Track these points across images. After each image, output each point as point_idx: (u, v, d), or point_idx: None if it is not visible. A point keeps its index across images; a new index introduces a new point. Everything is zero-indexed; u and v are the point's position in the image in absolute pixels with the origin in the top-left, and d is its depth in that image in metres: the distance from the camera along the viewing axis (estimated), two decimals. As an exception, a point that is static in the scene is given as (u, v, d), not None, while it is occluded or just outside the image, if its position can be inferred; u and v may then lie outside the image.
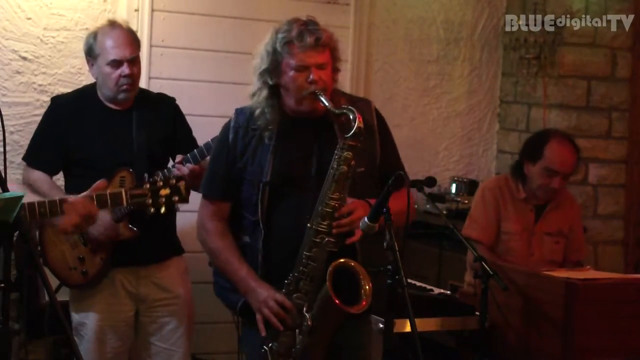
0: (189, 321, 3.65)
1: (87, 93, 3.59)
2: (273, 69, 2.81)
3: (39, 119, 4.05)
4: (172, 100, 3.71)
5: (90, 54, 3.50)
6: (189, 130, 3.71)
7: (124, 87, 3.45)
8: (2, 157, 2.70)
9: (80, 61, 4.43)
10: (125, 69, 3.42)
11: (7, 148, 3.60)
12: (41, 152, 3.55)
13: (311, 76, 2.77)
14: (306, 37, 2.75)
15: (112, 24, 3.51)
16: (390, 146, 3.01)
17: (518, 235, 3.96)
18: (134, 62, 3.47)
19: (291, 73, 2.79)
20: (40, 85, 4.42)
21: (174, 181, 2.79)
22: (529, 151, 3.98)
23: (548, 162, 3.86)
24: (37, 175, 3.52)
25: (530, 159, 3.93)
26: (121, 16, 4.32)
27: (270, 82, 2.83)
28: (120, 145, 3.47)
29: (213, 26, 4.70)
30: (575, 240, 4.10)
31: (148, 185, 2.77)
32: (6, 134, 2.73)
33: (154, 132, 3.53)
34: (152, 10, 4.55)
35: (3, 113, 2.63)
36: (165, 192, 2.74)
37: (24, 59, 4.38)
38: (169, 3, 4.61)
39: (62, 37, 4.44)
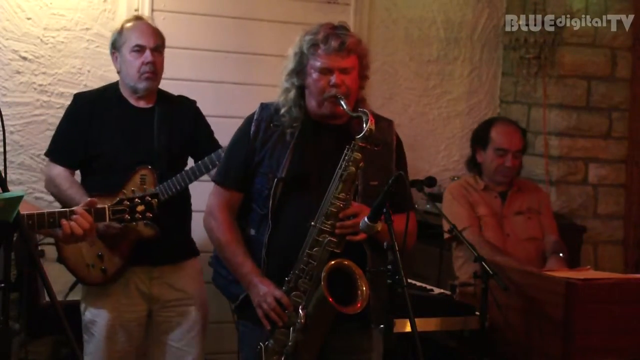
0: (203, 322, 3.66)
1: (110, 90, 3.61)
2: (299, 70, 2.86)
3: (39, 119, 4.07)
4: (192, 102, 3.75)
5: (115, 45, 3.54)
6: (210, 132, 3.74)
7: (146, 74, 3.47)
8: (2, 157, 2.71)
9: (80, 61, 4.45)
10: (147, 56, 3.46)
11: (7, 148, 3.61)
12: (63, 148, 3.56)
13: (333, 79, 2.80)
14: (331, 40, 2.80)
15: (138, 17, 3.63)
16: (403, 170, 2.99)
17: (489, 217, 4.11)
18: (157, 51, 3.52)
19: (314, 75, 2.83)
20: (40, 85, 4.41)
21: (149, 198, 2.88)
22: (477, 140, 4.26)
23: (496, 143, 4.14)
24: (58, 171, 3.53)
25: (480, 146, 4.21)
26: (121, 16, 4.33)
27: (297, 84, 2.87)
28: (141, 143, 3.48)
29: (213, 26, 4.70)
30: (545, 222, 4.22)
31: (128, 203, 2.86)
32: (6, 134, 2.73)
33: (175, 131, 3.55)
34: (152, 10, 4.55)
35: (3, 113, 2.63)
36: (141, 208, 2.88)
37: (24, 59, 4.38)
38: (169, 3, 4.61)
39: (62, 37, 4.43)
